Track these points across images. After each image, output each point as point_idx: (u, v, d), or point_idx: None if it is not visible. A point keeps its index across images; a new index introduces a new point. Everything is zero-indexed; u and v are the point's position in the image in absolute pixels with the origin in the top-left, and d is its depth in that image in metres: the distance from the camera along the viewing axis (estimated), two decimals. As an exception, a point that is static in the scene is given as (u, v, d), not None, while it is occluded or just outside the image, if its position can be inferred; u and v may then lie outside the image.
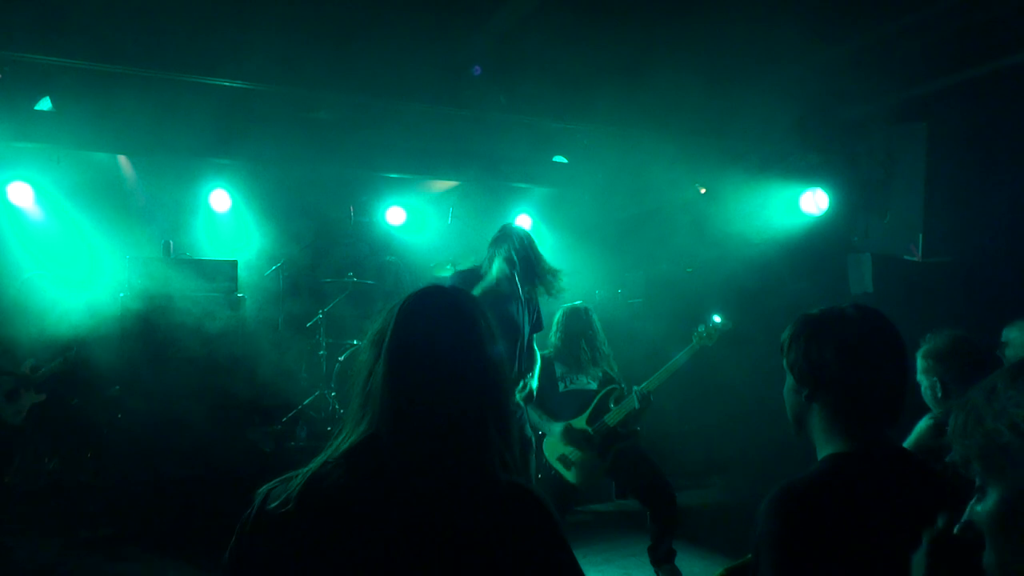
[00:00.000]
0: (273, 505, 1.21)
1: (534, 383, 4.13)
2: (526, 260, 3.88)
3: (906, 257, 5.35)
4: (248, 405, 6.24)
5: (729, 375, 6.20)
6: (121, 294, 5.72)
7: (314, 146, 6.29)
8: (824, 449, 1.58)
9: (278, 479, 1.27)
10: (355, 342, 6.65)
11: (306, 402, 6.48)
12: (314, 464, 1.26)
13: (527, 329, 4.04)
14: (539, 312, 4.20)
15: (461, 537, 1.19)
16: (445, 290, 1.38)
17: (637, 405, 4.23)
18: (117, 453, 5.33)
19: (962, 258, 5.20)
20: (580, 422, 4.28)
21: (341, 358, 6.43)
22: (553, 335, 4.65)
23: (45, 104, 5.47)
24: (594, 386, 4.42)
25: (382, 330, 1.31)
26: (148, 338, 5.52)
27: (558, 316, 4.69)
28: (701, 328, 4.38)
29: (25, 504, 5.21)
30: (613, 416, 4.26)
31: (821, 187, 6.20)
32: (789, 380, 1.64)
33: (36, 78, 5.31)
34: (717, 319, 4.43)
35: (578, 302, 4.79)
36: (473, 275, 4.07)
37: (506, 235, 4.00)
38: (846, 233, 5.98)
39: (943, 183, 5.29)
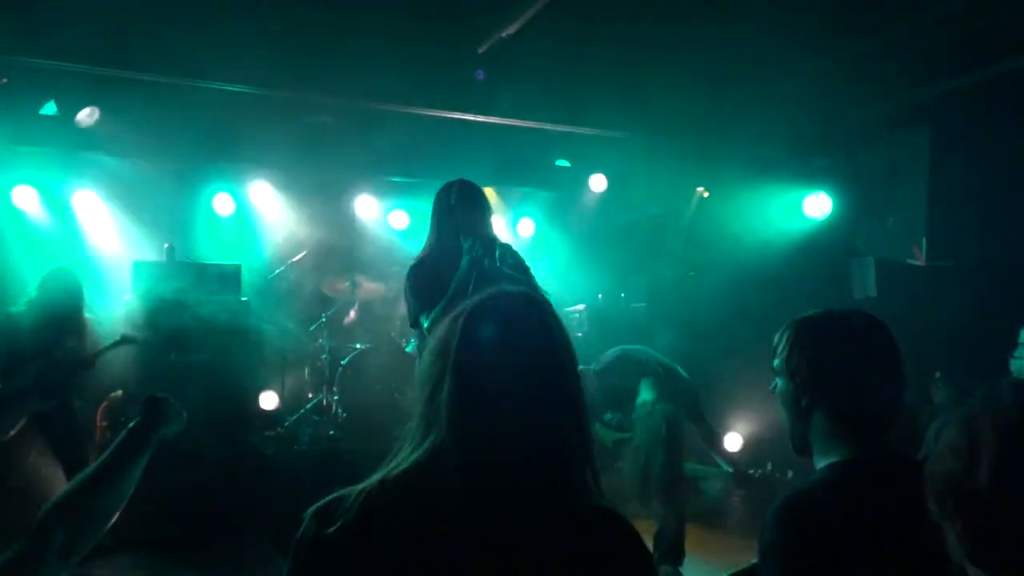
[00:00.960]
0: (332, 529, 1.13)
1: None
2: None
3: (909, 261, 5.34)
4: (250, 409, 6.24)
5: (731, 379, 6.19)
6: (125, 298, 5.73)
7: (318, 150, 6.31)
8: (825, 457, 1.54)
9: (328, 499, 1.20)
10: (358, 345, 6.65)
11: (309, 406, 6.49)
12: (370, 483, 1.18)
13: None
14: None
15: (543, 565, 1.12)
16: (514, 296, 1.30)
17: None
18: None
19: (966, 262, 5.18)
20: None
21: (344, 362, 6.43)
22: (598, 377, 4.36)
23: (50, 108, 5.49)
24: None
25: (446, 341, 1.22)
26: (151, 342, 5.52)
27: (613, 360, 4.40)
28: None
29: (27, 507, 5.21)
30: (607, 436, 4.30)
31: (824, 191, 6.19)
32: (784, 386, 1.58)
33: (41, 82, 5.34)
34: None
35: (642, 352, 4.45)
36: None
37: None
38: (849, 237, 5.96)
39: (946, 187, 5.28)
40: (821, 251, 6.19)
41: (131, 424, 1.63)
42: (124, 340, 4.81)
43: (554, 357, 1.22)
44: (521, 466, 1.15)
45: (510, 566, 1.11)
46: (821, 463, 1.55)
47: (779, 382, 1.60)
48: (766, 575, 1.42)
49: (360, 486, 1.19)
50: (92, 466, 1.54)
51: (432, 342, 1.26)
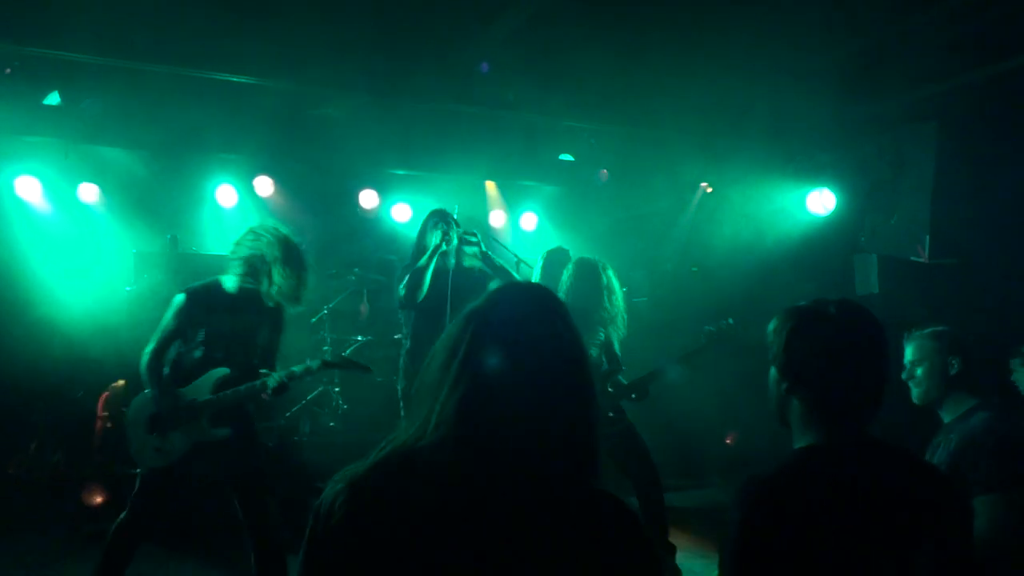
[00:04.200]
0: (336, 519, 1.16)
1: None
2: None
3: (912, 258, 5.31)
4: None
5: (732, 374, 6.17)
6: (127, 288, 5.74)
7: (321, 142, 6.30)
8: (799, 441, 1.62)
9: (335, 486, 1.20)
10: (360, 338, 6.66)
11: (310, 397, 6.50)
12: (372, 470, 1.19)
13: None
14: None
15: (542, 554, 1.13)
16: (526, 287, 1.33)
17: (633, 396, 4.24)
18: (121, 447, 5.34)
19: (969, 260, 5.16)
20: None
21: (345, 354, 6.43)
22: (561, 294, 4.26)
23: (53, 98, 5.49)
24: (593, 354, 4.27)
25: (459, 331, 1.23)
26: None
27: (568, 270, 4.33)
28: (712, 328, 4.31)
29: (29, 497, 5.24)
30: (606, 401, 4.22)
31: (828, 187, 6.16)
32: (772, 370, 1.68)
33: (45, 72, 5.33)
34: (729, 320, 4.36)
35: (590, 257, 4.40)
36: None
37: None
38: (853, 233, 5.95)
39: (952, 184, 5.25)
40: (824, 247, 6.17)
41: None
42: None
43: (563, 348, 1.23)
44: (526, 456, 1.16)
45: (506, 556, 1.12)
46: (797, 445, 1.63)
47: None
48: (725, 550, 1.49)
49: (362, 469, 1.20)
50: None
51: (442, 337, 1.26)
